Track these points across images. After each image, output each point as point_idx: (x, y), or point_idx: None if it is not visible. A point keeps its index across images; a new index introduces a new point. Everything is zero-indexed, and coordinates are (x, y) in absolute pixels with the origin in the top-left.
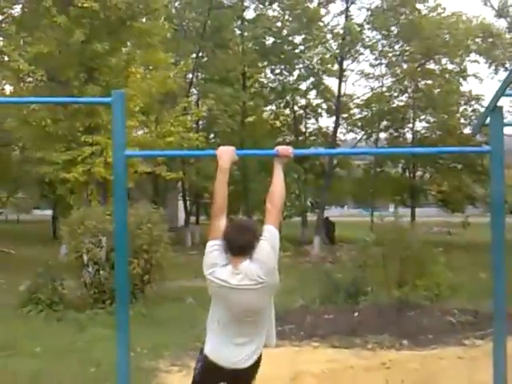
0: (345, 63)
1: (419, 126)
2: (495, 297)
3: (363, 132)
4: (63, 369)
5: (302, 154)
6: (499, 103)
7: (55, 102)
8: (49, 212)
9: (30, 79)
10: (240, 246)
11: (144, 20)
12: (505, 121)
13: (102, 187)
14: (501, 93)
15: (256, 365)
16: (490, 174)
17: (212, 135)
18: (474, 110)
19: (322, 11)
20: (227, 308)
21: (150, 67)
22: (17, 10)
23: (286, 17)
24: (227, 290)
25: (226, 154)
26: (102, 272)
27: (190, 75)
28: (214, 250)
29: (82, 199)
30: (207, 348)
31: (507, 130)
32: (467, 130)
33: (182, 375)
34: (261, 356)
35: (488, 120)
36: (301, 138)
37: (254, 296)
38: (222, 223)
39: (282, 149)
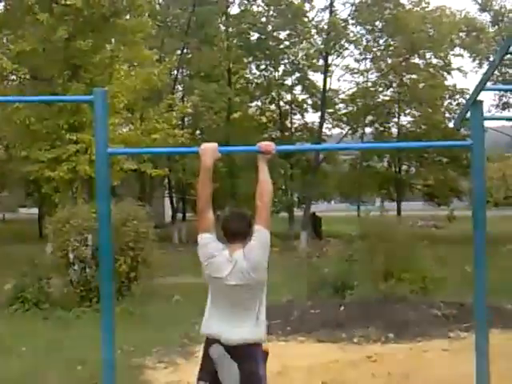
0: (330, 58)
1: (404, 120)
2: (477, 289)
3: (349, 127)
4: (49, 367)
5: (284, 151)
6: (480, 97)
7: (37, 101)
8: (35, 210)
9: (14, 77)
10: (235, 231)
11: (128, 17)
12: (488, 114)
13: (87, 185)
14: (481, 87)
15: (250, 349)
16: (471, 167)
17: (198, 132)
18: (458, 104)
19: (307, 6)
20: (218, 294)
21: (135, 64)
22: None
23: (271, 12)
24: (219, 281)
25: (209, 152)
26: (87, 270)
27: (175, 72)
28: (209, 241)
29: (68, 197)
30: (203, 327)
31: (491, 124)
32: (452, 124)
33: (169, 372)
34: (257, 344)
35: (469, 114)
36: (287, 133)
37: (241, 291)
38: (210, 215)
39: (264, 145)
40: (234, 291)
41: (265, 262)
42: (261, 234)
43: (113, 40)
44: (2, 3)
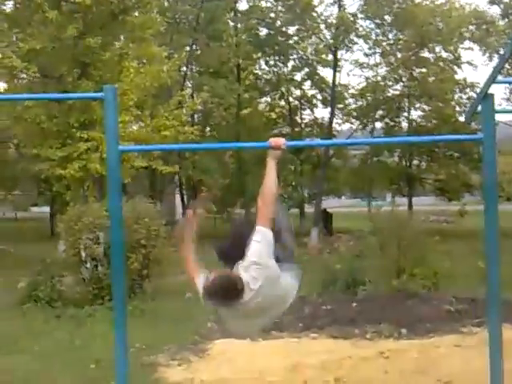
0: (339, 53)
1: (414, 114)
2: (489, 284)
3: (359, 122)
4: (62, 366)
5: (294, 146)
6: (491, 90)
7: (47, 98)
8: (46, 209)
9: (24, 75)
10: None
11: (136, 14)
12: (499, 108)
13: (98, 183)
14: (491, 80)
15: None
16: (483, 161)
17: (208, 128)
18: (468, 98)
19: (315, 1)
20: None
21: (144, 61)
22: (9, 5)
23: (279, 7)
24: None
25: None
26: (100, 268)
27: (184, 68)
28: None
29: (79, 195)
30: None
31: (502, 117)
32: (462, 118)
33: (182, 369)
34: None
35: (480, 108)
36: (297, 129)
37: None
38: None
39: (274, 140)
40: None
41: (270, 260)
42: (264, 236)
43: (122, 37)
44: (12, 2)
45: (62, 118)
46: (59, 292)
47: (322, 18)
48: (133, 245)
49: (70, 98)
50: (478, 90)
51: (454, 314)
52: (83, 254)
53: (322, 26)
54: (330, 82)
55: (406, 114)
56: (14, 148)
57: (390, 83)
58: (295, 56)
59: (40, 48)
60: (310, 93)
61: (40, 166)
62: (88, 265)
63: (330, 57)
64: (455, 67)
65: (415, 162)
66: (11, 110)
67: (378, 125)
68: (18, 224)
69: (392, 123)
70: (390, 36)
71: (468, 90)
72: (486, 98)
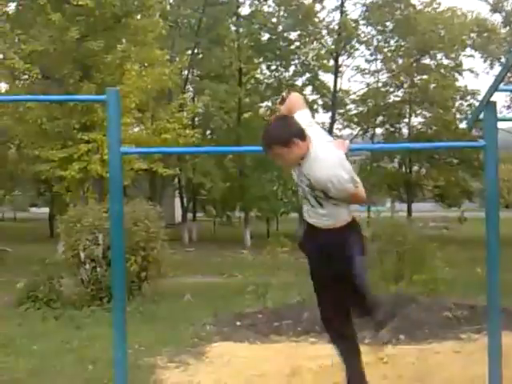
0: (340, 59)
1: (415, 121)
2: (490, 291)
3: (359, 127)
4: (61, 367)
5: None
6: (493, 98)
7: (50, 100)
8: (46, 210)
9: (26, 77)
10: None
11: (139, 17)
12: (499, 115)
13: (98, 184)
14: (494, 88)
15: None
16: (484, 169)
17: (208, 132)
18: (469, 105)
19: (317, 7)
20: None
21: (146, 64)
22: (11, 7)
23: (282, 13)
24: None
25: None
26: (98, 269)
27: (186, 72)
28: None
29: (79, 197)
30: None
31: (503, 125)
32: (463, 125)
33: (180, 371)
34: None
35: (482, 115)
36: None
37: None
38: None
39: None
40: None
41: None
42: None
43: (124, 40)
44: (15, 3)
45: (64, 119)
46: (58, 293)
47: (324, 23)
48: (132, 247)
49: (73, 100)
50: (479, 98)
51: (453, 320)
52: (82, 255)
53: (324, 32)
54: (331, 87)
55: (406, 120)
56: (15, 149)
57: (391, 89)
58: (296, 61)
59: (42, 50)
60: (311, 98)
61: (40, 167)
62: (87, 266)
63: (332, 62)
64: (456, 74)
65: (415, 168)
66: (13, 111)
67: (379, 131)
68: (17, 224)
69: (392, 129)
70: (392, 42)
71: (469, 97)
72: (488, 105)
